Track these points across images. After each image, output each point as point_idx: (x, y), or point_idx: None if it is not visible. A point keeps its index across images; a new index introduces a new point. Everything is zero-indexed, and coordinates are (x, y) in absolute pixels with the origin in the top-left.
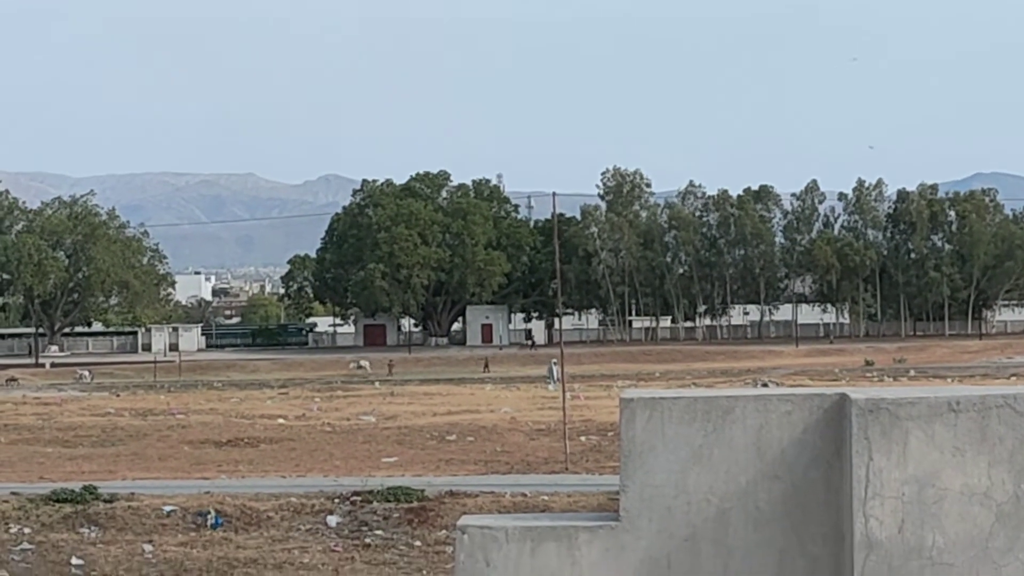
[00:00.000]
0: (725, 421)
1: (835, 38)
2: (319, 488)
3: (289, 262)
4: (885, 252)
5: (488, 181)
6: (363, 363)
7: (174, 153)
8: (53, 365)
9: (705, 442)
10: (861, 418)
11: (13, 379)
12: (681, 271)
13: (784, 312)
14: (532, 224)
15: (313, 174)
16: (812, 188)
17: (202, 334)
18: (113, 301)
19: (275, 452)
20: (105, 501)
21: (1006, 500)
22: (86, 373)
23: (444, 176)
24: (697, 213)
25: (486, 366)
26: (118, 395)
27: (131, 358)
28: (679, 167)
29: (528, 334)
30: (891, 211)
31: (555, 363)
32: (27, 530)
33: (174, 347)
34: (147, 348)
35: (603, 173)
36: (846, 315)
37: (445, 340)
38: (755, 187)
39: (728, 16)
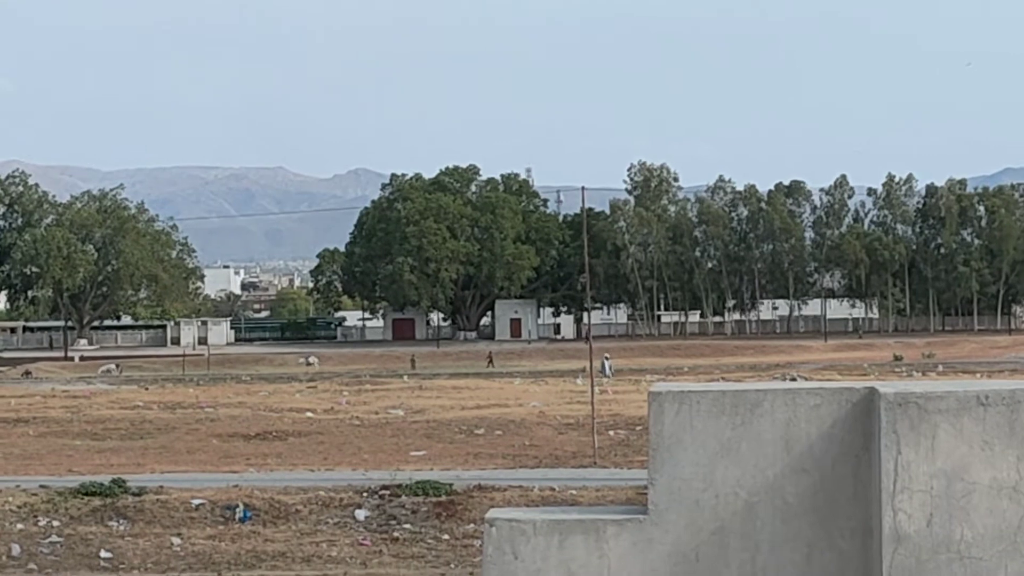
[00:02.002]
0: (753, 414)
1: (865, 32)
2: (347, 482)
3: (318, 256)
4: (914, 247)
5: (517, 175)
6: (312, 359)
7: (203, 147)
8: (82, 358)
9: (733, 435)
10: (890, 412)
11: (28, 372)
12: (710, 266)
13: (813, 307)
14: (561, 218)
15: (342, 168)
16: (842, 183)
17: (231, 328)
18: (142, 295)
19: (303, 446)
20: (134, 494)
21: None
22: (112, 367)
23: (473, 170)
24: (726, 208)
25: (490, 361)
26: (147, 388)
27: (160, 351)
28: (709, 161)
29: (556, 329)
30: (920, 206)
31: (607, 357)
32: (56, 523)
33: (203, 341)
34: (176, 342)
35: (629, 168)
36: (875, 310)
37: (474, 334)
38: (784, 181)
39: (758, 9)
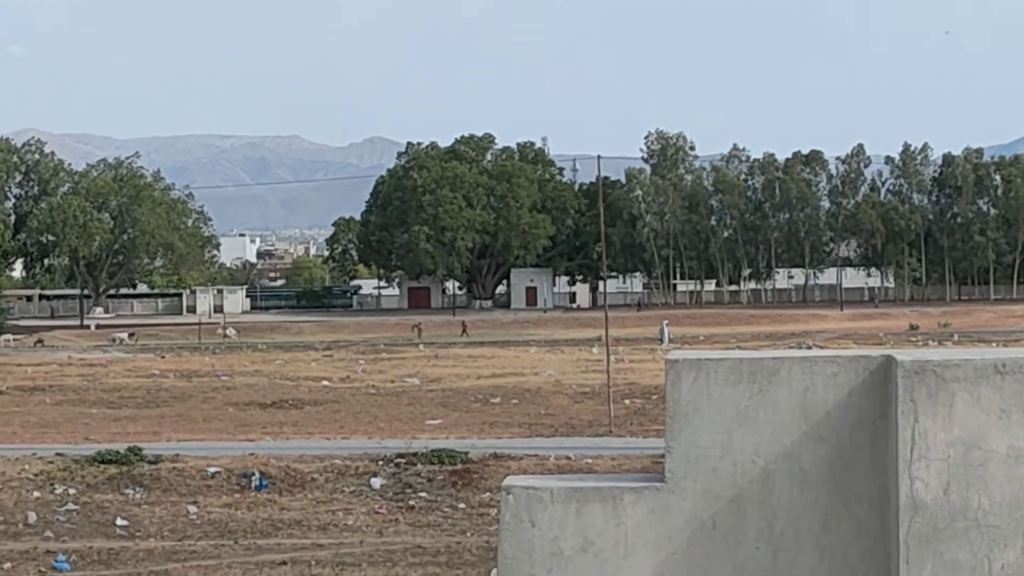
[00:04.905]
0: (771, 382)
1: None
2: (363, 450)
3: (334, 224)
4: (930, 216)
5: (533, 144)
6: (230, 331)
7: (219, 115)
8: (98, 327)
9: (751, 403)
10: (907, 380)
11: (40, 341)
12: (726, 235)
13: (829, 276)
14: (577, 187)
15: (358, 136)
16: (858, 152)
17: (247, 296)
18: (158, 263)
19: (319, 414)
20: (150, 462)
21: None
22: (124, 336)
23: (489, 139)
24: (742, 176)
25: (464, 330)
26: (163, 357)
27: (176, 320)
28: (725, 130)
29: (572, 297)
30: (936, 175)
31: (667, 323)
32: (72, 491)
33: (219, 309)
34: (192, 310)
35: (646, 136)
36: (891, 279)
37: (489, 303)
38: (800, 150)
39: None
